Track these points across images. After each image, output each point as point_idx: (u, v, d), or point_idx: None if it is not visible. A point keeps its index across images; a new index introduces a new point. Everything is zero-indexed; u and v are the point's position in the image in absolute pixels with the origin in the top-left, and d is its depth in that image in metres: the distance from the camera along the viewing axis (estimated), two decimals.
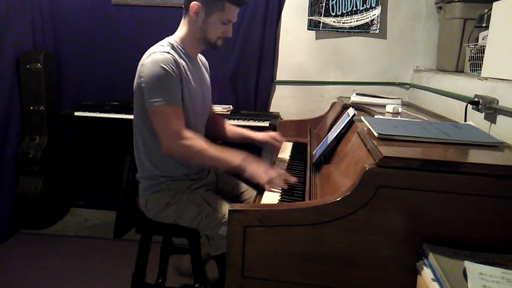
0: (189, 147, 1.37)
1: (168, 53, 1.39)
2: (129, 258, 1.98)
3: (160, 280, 1.87)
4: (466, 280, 0.78)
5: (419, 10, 2.57)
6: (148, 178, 1.51)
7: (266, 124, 2.38)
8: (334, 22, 2.61)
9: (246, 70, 2.71)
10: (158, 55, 1.37)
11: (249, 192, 1.70)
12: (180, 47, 1.48)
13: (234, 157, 1.40)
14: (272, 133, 1.81)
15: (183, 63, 1.44)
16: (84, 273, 2.14)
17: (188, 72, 1.46)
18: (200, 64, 1.62)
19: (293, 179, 1.38)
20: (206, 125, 1.67)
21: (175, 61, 1.39)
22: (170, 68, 1.35)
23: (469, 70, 2.04)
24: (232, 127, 1.82)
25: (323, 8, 2.60)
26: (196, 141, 1.38)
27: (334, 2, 2.58)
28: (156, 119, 1.37)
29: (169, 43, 1.46)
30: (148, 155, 1.49)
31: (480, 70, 1.73)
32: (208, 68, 1.71)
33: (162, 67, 1.34)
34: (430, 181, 0.91)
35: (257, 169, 1.37)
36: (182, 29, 1.50)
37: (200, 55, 1.64)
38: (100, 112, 2.48)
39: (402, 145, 1.07)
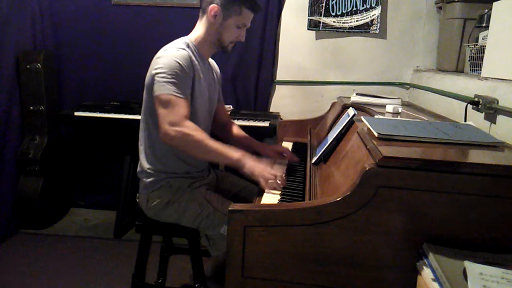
0: (186, 136, 1.35)
1: (184, 50, 1.43)
2: (129, 258, 1.98)
3: (160, 280, 1.87)
4: (466, 280, 0.78)
5: (419, 10, 2.57)
6: (149, 175, 1.51)
7: (266, 124, 2.38)
8: (334, 22, 2.60)
9: (246, 70, 2.71)
10: (174, 50, 1.42)
11: (249, 188, 1.70)
12: (194, 47, 1.52)
13: (233, 153, 1.39)
14: (279, 148, 1.78)
15: (196, 62, 1.48)
16: (84, 273, 2.14)
17: (200, 71, 1.49)
18: (211, 67, 1.65)
19: (283, 183, 1.37)
20: (218, 130, 1.73)
21: (190, 58, 1.43)
22: (184, 64, 1.39)
23: (469, 70, 2.04)
24: (243, 135, 1.79)
25: (323, 8, 2.59)
26: (195, 131, 1.37)
27: (334, 2, 2.58)
28: (160, 106, 1.37)
29: (185, 42, 1.50)
30: (152, 148, 1.51)
31: (480, 70, 1.73)
32: (218, 72, 1.73)
33: (176, 61, 1.38)
34: (430, 181, 0.91)
35: (256, 167, 1.37)
36: (198, 30, 1.54)
37: (211, 59, 1.66)
38: (100, 112, 2.48)
39: (402, 145, 1.07)
